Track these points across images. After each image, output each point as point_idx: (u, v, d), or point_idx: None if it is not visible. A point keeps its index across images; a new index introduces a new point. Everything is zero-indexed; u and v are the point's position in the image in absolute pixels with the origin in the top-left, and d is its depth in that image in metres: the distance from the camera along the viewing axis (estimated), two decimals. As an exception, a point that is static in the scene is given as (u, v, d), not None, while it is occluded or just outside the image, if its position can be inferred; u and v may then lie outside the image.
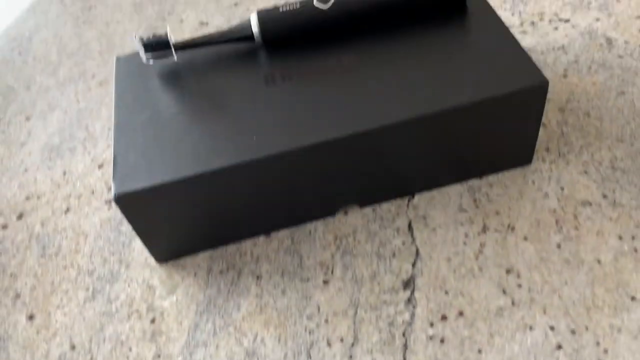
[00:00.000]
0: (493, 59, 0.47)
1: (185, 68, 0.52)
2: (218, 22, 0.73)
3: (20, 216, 0.56)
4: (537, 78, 0.45)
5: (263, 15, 0.51)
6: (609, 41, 0.61)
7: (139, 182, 0.43)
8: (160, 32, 0.50)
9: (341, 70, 0.49)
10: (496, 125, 0.47)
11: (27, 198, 0.58)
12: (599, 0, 0.65)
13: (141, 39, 0.50)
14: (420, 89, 0.46)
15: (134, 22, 0.75)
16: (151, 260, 0.51)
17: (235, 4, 0.75)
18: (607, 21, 0.63)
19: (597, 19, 0.63)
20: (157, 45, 0.51)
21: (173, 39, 0.51)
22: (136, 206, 0.45)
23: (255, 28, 0.51)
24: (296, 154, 0.44)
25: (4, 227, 0.56)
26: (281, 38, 0.52)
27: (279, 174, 0.46)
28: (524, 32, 0.63)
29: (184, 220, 0.47)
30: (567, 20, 0.64)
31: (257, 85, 0.49)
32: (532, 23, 0.64)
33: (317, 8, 0.51)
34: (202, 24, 0.73)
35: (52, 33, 0.77)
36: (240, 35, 0.52)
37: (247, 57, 0.52)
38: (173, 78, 0.51)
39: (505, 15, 0.66)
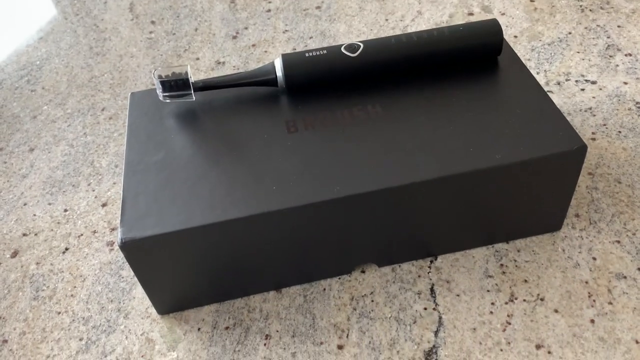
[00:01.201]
0: (527, 119, 0.45)
1: (202, 108, 0.50)
2: (235, 62, 0.71)
3: (14, 254, 0.53)
4: (575, 142, 0.42)
5: (288, 60, 0.49)
6: (638, 106, 0.59)
7: (148, 229, 0.40)
8: (179, 70, 0.48)
9: (367, 121, 0.46)
10: (528, 188, 0.45)
11: (24, 234, 0.54)
12: (626, 63, 0.64)
13: (160, 77, 0.48)
14: (450, 146, 0.43)
15: (148, 57, 0.74)
16: (152, 310, 0.47)
17: (253, 45, 0.74)
18: (635, 86, 0.61)
19: (625, 83, 0.62)
20: (175, 85, 0.48)
21: (192, 78, 0.49)
22: (142, 253, 0.41)
23: (279, 72, 0.49)
24: (316, 208, 0.41)
25: (-3, 264, 0.52)
26: (305, 84, 0.50)
27: (295, 227, 0.43)
28: (550, 92, 0.62)
29: (191, 270, 0.44)
30: (594, 82, 0.62)
31: (278, 132, 0.46)
32: (558, 83, 0.63)
33: (344, 55, 0.49)
34: (219, 63, 0.72)
35: (64, 63, 0.75)
36: (263, 78, 0.50)
37: (268, 102, 0.50)
38: (190, 118, 0.49)
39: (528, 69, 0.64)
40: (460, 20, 0.73)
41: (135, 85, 0.70)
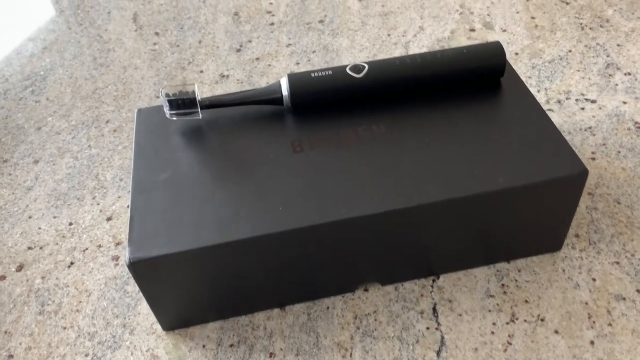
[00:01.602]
0: (529, 142, 0.45)
1: (209, 126, 0.50)
2: (239, 76, 0.72)
3: (20, 267, 0.53)
4: (577, 167, 0.43)
5: (294, 80, 0.50)
6: (638, 125, 0.60)
7: (156, 249, 0.41)
8: (187, 89, 0.49)
9: (371, 141, 0.47)
10: (529, 211, 0.45)
11: (29, 248, 0.55)
12: (625, 82, 0.65)
13: (167, 95, 0.49)
14: (454, 168, 0.44)
15: (152, 70, 0.74)
16: (157, 327, 0.48)
17: (257, 59, 0.74)
18: (635, 105, 0.62)
19: (624, 102, 0.63)
20: (183, 103, 0.49)
21: (199, 96, 0.50)
22: (150, 272, 0.42)
23: (285, 91, 0.50)
24: (321, 229, 0.42)
25: (2, 278, 0.52)
26: (311, 103, 0.51)
27: (301, 247, 0.44)
28: (551, 110, 0.62)
29: (197, 287, 0.45)
30: (593, 101, 0.63)
31: (283, 152, 0.47)
32: (559, 101, 0.64)
33: (349, 76, 0.50)
34: (223, 76, 0.72)
35: (68, 74, 0.75)
36: (269, 97, 0.50)
37: (274, 120, 0.50)
38: (196, 136, 0.50)
39: (530, 91, 0.65)
40: (462, 36, 0.74)
41: (139, 98, 0.70)
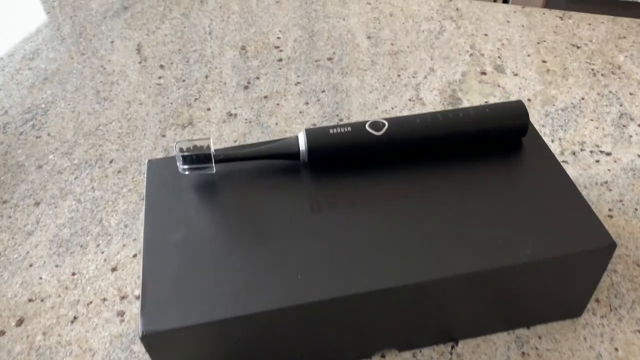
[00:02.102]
0: (553, 210, 0.44)
1: (223, 180, 0.49)
2: (247, 114, 0.70)
3: (20, 322, 0.51)
4: (604, 240, 0.42)
5: (311, 135, 0.49)
6: (653, 181, 0.59)
7: (170, 321, 0.39)
8: (201, 143, 0.47)
9: (390, 204, 0.46)
10: (553, 281, 0.44)
11: (30, 300, 0.53)
12: (639, 134, 0.64)
13: (181, 150, 0.47)
14: (477, 237, 0.43)
15: (157, 106, 0.73)
16: (165, 392, 0.46)
17: (265, 97, 0.73)
18: (650, 159, 0.62)
19: (639, 155, 0.62)
20: (197, 158, 0.47)
21: (214, 149, 0.48)
22: (163, 345, 0.40)
23: (302, 147, 0.48)
24: (342, 301, 0.40)
25: (2, 333, 0.50)
26: (329, 160, 0.49)
27: (320, 317, 0.42)
28: (566, 162, 0.62)
29: (211, 358, 0.43)
30: (608, 154, 0.62)
31: (301, 211, 0.46)
32: (573, 153, 0.63)
33: (368, 133, 0.49)
34: (230, 115, 0.71)
35: (70, 107, 0.73)
36: (285, 152, 0.49)
37: (290, 176, 0.49)
38: (210, 192, 0.48)
39: (544, 141, 0.64)
40: (473, 79, 0.73)
41: (144, 136, 0.68)
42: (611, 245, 0.42)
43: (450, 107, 0.69)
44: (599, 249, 0.42)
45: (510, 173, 0.48)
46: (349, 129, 0.49)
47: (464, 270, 0.41)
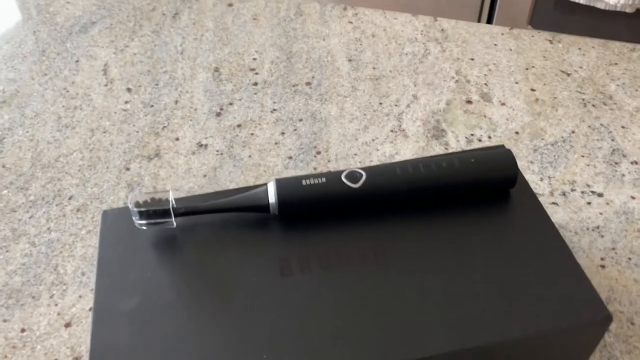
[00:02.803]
0: (544, 277, 0.40)
1: (184, 235, 0.44)
2: (219, 145, 0.66)
3: (-39, 388, 0.46)
4: (599, 311, 0.38)
5: (282, 186, 0.44)
6: (647, 226, 0.56)
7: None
8: (160, 196, 0.43)
9: (366, 265, 0.42)
10: (543, 355, 0.40)
11: (-27, 361, 0.48)
12: (632, 173, 0.61)
13: (137, 205, 0.43)
14: (462, 308, 0.39)
15: (122, 134, 0.68)
16: None
17: (239, 125, 0.68)
18: (643, 201, 0.58)
19: (632, 197, 0.59)
20: (154, 213, 0.43)
21: (174, 203, 0.44)
22: None
23: (272, 199, 0.44)
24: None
25: (-61, 402, 0.46)
26: (301, 214, 0.45)
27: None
28: (555, 204, 0.58)
29: None
30: (600, 195, 0.59)
31: (269, 274, 0.41)
32: (563, 193, 0.59)
33: (345, 185, 0.44)
34: (200, 145, 0.66)
35: (28, 135, 0.68)
36: (254, 204, 0.45)
37: (259, 231, 0.45)
38: (169, 249, 0.44)
39: (533, 179, 0.61)
40: (458, 108, 0.69)
41: (106, 169, 0.64)
42: (607, 318, 0.38)
43: (434, 140, 0.66)
44: (594, 321, 0.38)
45: (497, 231, 0.44)
46: (324, 179, 0.45)
47: (446, 349, 0.37)
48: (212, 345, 0.38)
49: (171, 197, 0.43)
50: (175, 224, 0.44)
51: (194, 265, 0.43)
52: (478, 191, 0.46)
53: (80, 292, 0.53)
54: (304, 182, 0.45)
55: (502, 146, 0.49)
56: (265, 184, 0.45)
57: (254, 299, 0.40)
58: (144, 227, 0.44)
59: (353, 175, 0.45)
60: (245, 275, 0.42)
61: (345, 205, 0.45)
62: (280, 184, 0.45)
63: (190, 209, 0.44)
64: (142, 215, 0.43)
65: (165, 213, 0.43)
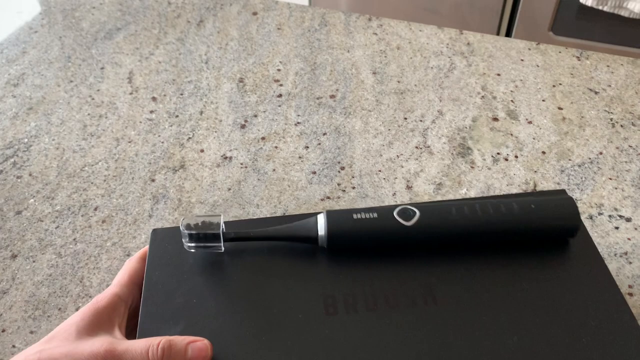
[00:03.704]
0: (600, 337, 0.39)
1: (231, 262, 0.44)
2: (243, 158, 0.66)
3: (-12, 400, 0.47)
4: None
5: (332, 219, 0.44)
6: (676, 254, 0.55)
7: None
8: (211, 220, 0.43)
9: (415, 310, 0.41)
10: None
11: (1, 373, 0.49)
12: (661, 197, 0.60)
13: (188, 227, 0.42)
14: (514, 350, 0.38)
15: (147, 145, 0.68)
16: None
17: (263, 138, 0.68)
18: (673, 227, 0.58)
19: (661, 222, 0.58)
20: (205, 237, 0.43)
21: (224, 227, 0.43)
22: None
23: (321, 231, 0.43)
24: None
25: (-33, 414, 0.46)
26: (350, 248, 0.44)
27: None
28: (583, 228, 0.58)
29: None
30: (628, 219, 0.58)
31: (314, 312, 0.41)
32: (590, 217, 0.59)
33: (397, 222, 0.43)
34: (225, 158, 0.66)
35: (54, 143, 0.69)
36: (303, 235, 0.44)
37: (306, 263, 0.44)
38: (216, 274, 0.44)
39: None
40: (484, 125, 0.69)
41: (132, 180, 0.64)
42: None
43: (460, 157, 0.65)
44: None
45: (554, 285, 0.42)
46: (375, 215, 0.44)
47: None
48: None
49: (222, 221, 0.43)
50: (223, 248, 0.44)
51: (239, 295, 0.42)
52: (536, 239, 0.45)
53: (106, 306, 0.53)
54: (355, 216, 0.44)
55: (564, 192, 0.48)
56: (316, 215, 0.45)
57: (297, 335, 0.40)
58: (192, 250, 0.44)
59: (406, 213, 0.44)
60: (290, 310, 0.41)
61: (396, 243, 0.44)
62: (331, 216, 0.44)
63: (240, 234, 0.44)
64: (192, 237, 0.43)
65: (215, 237, 0.43)
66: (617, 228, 0.58)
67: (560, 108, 0.71)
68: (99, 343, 0.37)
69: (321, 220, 0.43)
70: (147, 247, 0.46)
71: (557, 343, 0.39)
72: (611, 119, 0.69)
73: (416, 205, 0.44)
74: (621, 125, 0.68)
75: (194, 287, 0.43)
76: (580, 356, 0.38)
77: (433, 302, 0.41)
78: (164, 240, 0.46)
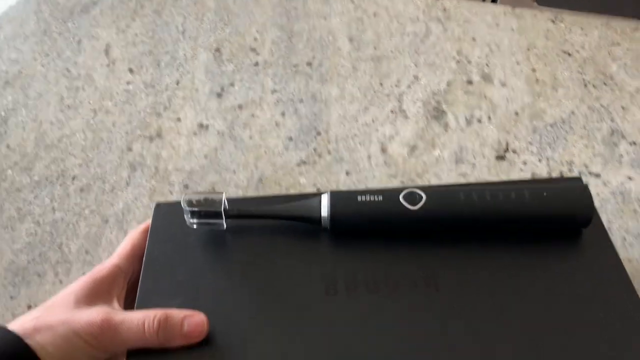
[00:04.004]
0: (611, 329, 0.38)
1: (233, 237, 0.44)
2: (219, 126, 0.66)
3: (-30, 362, 0.48)
4: None
5: (336, 201, 0.43)
6: (643, 207, 0.57)
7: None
8: (213, 197, 0.43)
9: (417, 295, 0.40)
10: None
11: (-18, 337, 0.49)
12: (631, 154, 0.61)
13: (190, 203, 0.42)
14: (513, 353, 0.37)
15: (124, 115, 0.68)
16: None
17: (239, 106, 0.69)
18: (641, 182, 0.59)
19: (630, 178, 0.59)
20: (206, 214, 0.43)
21: (227, 205, 0.43)
22: None
23: (324, 212, 0.42)
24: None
25: (-50, 376, 0.47)
26: (353, 230, 0.43)
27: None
28: (553, 185, 0.59)
29: None
30: (597, 175, 0.60)
31: (315, 290, 0.40)
32: (561, 174, 0.60)
33: (402, 206, 0.42)
34: (202, 126, 0.67)
35: (32, 116, 0.69)
36: (305, 215, 0.43)
37: (308, 243, 0.43)
38: (218, 250, 0.44)
39: (531, 160, 0.61)
40: (458, 89, 0.69)
41: (109, 150, 0.65)
42: None
43: (434, 120, 0.66)
44: None
45: (563, 275, 0.41)
46: (380, 197, 0.42)
47: None
48: (247, 355, 0.38)
49: (224, 199, 0.43)
50: (225, 225, 0.44)
51: (239, 272, 0.42)
52: (547, 228, 0.43)
53: (84, 270, 0.54)
54: (359, 197, 0.43)
55: (579, 179, 0.46)
56: (320, 195, 0.44)
57: (296, 314, 0.39)
58: (194, 226, 0.44)
59: (412, 197, 0.42)
60: (291, 289, 0.41)
61: (401, 226, 0.43)
62: (335, 197, 0.43)
63: (242, 212, 0.44)
64: (194, 214, 0.43)
65: (216, 214, 0.43)
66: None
67: (534, 70, 0.72)
68: (96, 312, 0.37)
69: (324, 201, 0.43)
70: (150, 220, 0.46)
71: (560, 333, 0.37)
72: (584, 79, 0.70)
73: (423, 188, 0.43)
74: (593, 86, 0.69)
75: (194, 263, 0.42)
76: (585, 347, 0.37)
77: (435, 287, 0.40)
78: (166, 214, 0.45)
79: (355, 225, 0.43)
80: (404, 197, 0.42)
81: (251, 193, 0.60)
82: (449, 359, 0.37)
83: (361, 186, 0.60)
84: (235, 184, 0.61)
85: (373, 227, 0.43)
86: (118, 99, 0.71)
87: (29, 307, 0.51)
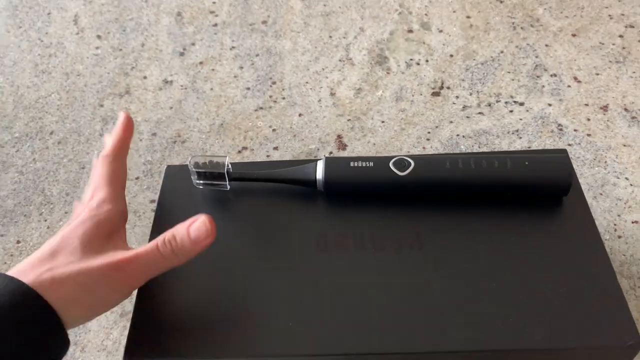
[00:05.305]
0: (580, 293, 0.39)
1: (236, 198, 0.48)
2: (183, 81, 0.73)
3: (-31, 289, 0.54)
4: (631, 336, 0.37)
5: (330, 166, 0.46)
6: (560, 128, 0.64)
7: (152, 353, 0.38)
8: (217, 160, 0.47)
9: (401, 255, 0.42)
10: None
11: (-23, 268, 0.56)
12: (551, 84, 0.69)
13: (196, 165, 0.47)
14: (488, 311, 0.39)
15: (95, 76, 0.74)
16: (108, 343, 0.50)
17: (200, 63, 0.75)
18: (558, 107, 0.66)
19: (549, 104, 0.67)
20: (211, 175, 0.47)
21: (230, 168, 0.47)
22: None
23: (319, 176, 0.45)
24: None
25: (-48, 301, 0.54)
26: (345, 193, 0.46)
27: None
28: (481, 114, 0.66)
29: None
30: (521, 104, 0.67)
31: (306, 247, 0.43)
32: (489, 104, 0.67)
33: (391, 172, 0.44)
34: (166, 82, 0.73)
35: (9, 82, 0.75)
36: (302, 178, 0.47)
37: (304, 204, 0.47)
38: (221, 209, 0.47)
39: (463, 94, 0.68)
40: (400, 37, 0.76)
41: (82, 107, 0.71)
42: (637, 342, 0.37)
43: (377, 66, 0.73)
44: (619, 346, 0.37)
45: (541, 239, 0.42)
46: (371, 164, 0.45)
47: (460, 348, 0.37)
48: (243, 309, 0.41)
49: (227, 162, 0.47)
50: (229, 187, 0.48)
51: (240, 229, 0.46)
52: (528, 195, 0.45)
53: (66, 209, 0.60)
54: (352, 163, 0.45)
55: (564, 151, 0.47)
56: (316, 161, 0.47)
57: (289, 266, 0.42)
58: (200, 187, 0.48)
59: (401, 163, 0.45)
60: (286, 244, 0.44)
61: (389, 191, 0.45)
62: (329, 162, 0.46)
63: (244, 175, 0.47)
64: (199, 175, 0.47)
65: (220, 176, 0.47)
66: (511, 112, 0.66)
67: (468, 17, 0.79)
68: (109, 257, 0.37)
69: (320, 166, 0.46)
70: (117, 140, 0.45)
71: (535, 291, 0.39)
72: (513, 23, 0.77)
73: (412, 157, 0.45)
74: (521, 28, 0.76)
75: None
76: (556, 304, 0.39)
77: (419, 248, 0.42)
78: (176, 175, 0.49)
79: (348, 188, 0.46)
80: (394, 164, 0.45)
81: (213, 138, 0.67)
82: (428, 309, 0.39)
83: (312, 125, 0.67)
84: (199, 129, 0.67)
85: (364, 190, 0.46)
86: (88, 62, 0.76)
87: (18, 242, 0.58)
